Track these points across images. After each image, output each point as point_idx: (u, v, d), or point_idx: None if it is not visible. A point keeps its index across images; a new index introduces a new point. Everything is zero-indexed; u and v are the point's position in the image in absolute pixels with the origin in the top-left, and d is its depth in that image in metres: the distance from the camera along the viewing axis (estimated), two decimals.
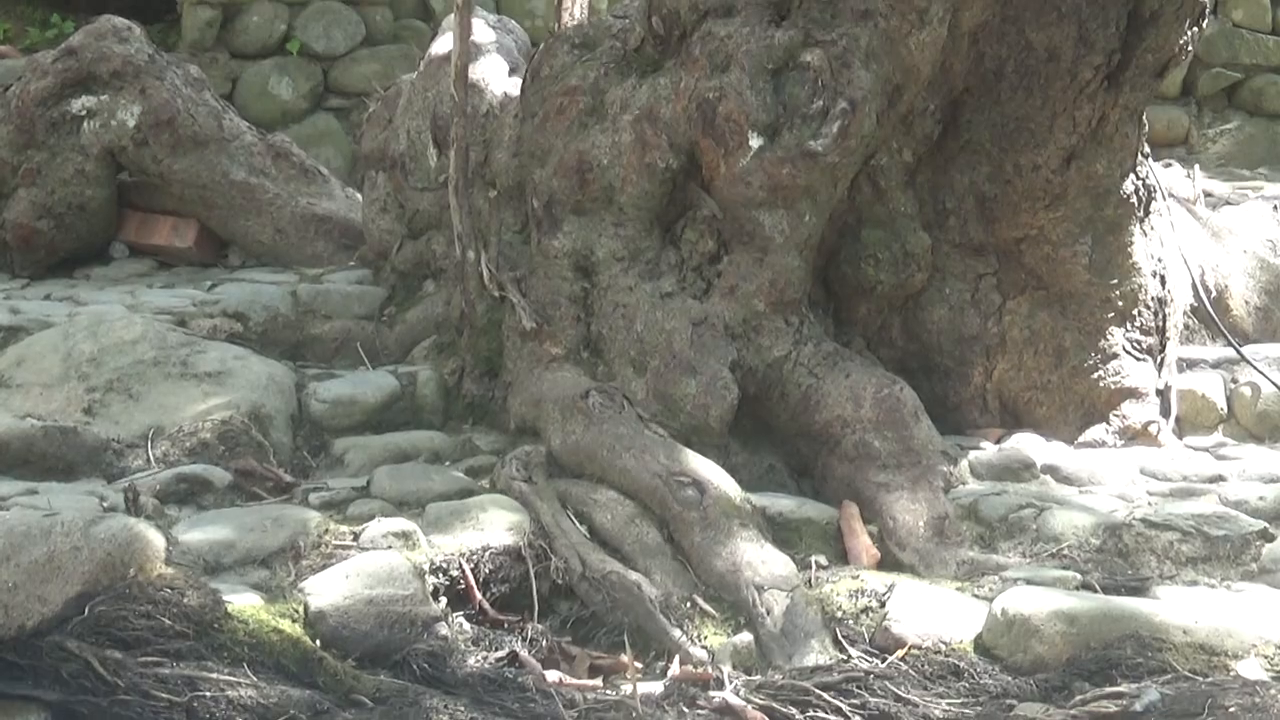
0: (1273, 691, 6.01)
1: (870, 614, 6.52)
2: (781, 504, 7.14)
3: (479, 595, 6.51)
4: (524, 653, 6.35)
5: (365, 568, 6.40)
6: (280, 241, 10.09)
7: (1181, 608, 6.47)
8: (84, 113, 9.78)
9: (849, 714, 5.99)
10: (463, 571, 6.51)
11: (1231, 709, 5.92)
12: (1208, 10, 8.66)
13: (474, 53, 8.61)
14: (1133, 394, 8.22)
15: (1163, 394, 8.38)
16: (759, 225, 7.66)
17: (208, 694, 5.91)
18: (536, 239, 8.01)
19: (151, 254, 10.07)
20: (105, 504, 6.78)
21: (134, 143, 9.95)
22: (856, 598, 6.58)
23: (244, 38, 12.30)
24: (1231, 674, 6.16)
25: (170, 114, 9.93)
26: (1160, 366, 8.37)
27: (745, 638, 6.45)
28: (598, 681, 6.31)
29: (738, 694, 6.07)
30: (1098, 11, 7.77)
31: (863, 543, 7.01)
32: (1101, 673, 6.21)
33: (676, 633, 6.39)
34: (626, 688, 6.15)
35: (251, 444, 7.50)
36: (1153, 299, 8.33)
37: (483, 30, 9.05)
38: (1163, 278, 8.38)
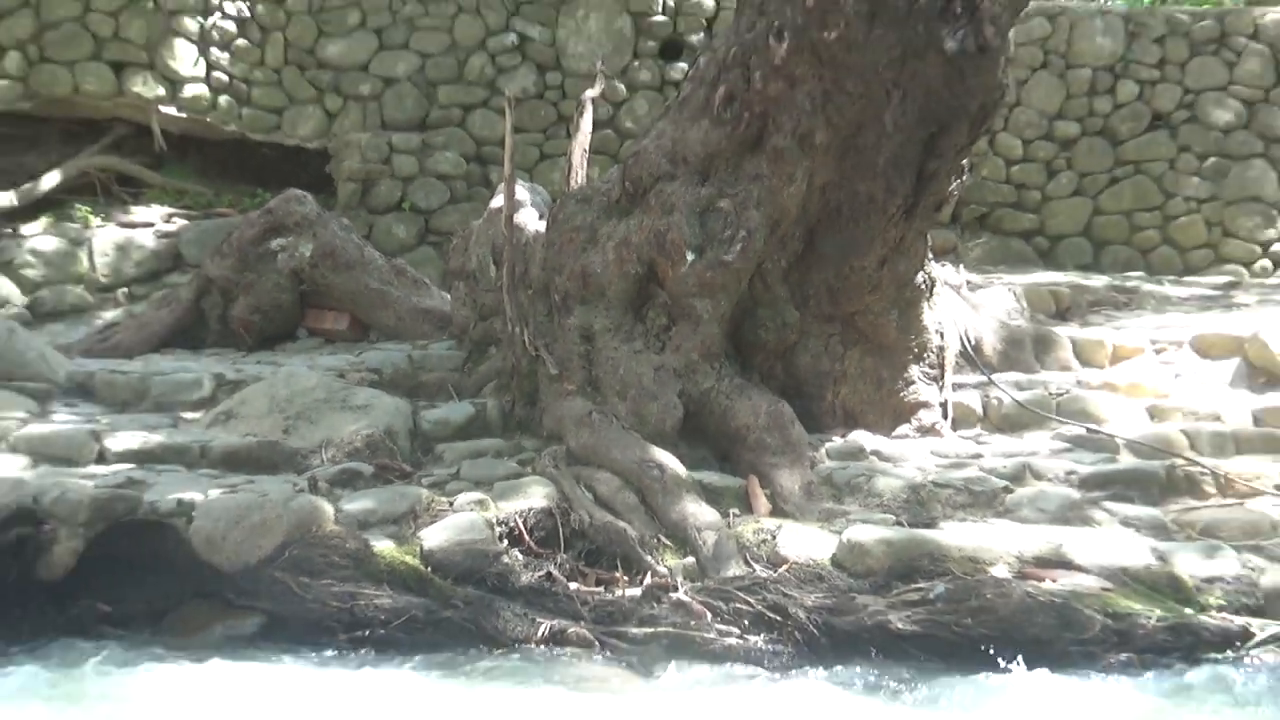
0: (1013, 584, 6.97)
1: (766, 544, 7.43)
2: (710, 478, 8.08)
3: (528, 538, 7.37)
4: (555, 572, 7.23)
5: (457, 523, 7.32)
6: (401, 326, 10.59)
7: (957, 535, 7.43)
8: (278, 248, 10.27)
9: (754, 604, 6.94)
10: (517, 524, 7.39)
11: (988, 595, 6.86)
12: (966, 171, 9.45)
13: (516, 206, 8.96)
14: (925, 405, 9.06)
15: (943, 405, 9.20)
16: (693, 308, 8.47)
17: (361, 602, 6.95)
18: (557, 319, 8.73)
19: (321, 335, 10.57)
20: (297, 487, 7.62)
21: (310, 266, 10.49)
22: (758, 534, 7.50)
23: (375, 200, 12.68)
24: (988, 575, 7.06)
25: (332, 248, 10.48)
26: (941, 388, 9.17)
27: (690, 560, 7.38)
28: (601, 589, 7.25)
29: (686, 594, 7.08)
30: (899, 172, 8.42)
31: (760, 501, 7.93)
32: (908, 576, 7.11)
33: (649, 559, 7.33)
34: (619, 591, 7.19)
35: (386, 449, 8.29)
36: (936, 347, 9.12)
37: (521, 192, 9.40)
38: (942, 334, 9.16)
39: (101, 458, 7.93)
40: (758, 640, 6.91)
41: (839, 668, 6.64)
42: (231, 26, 12.48)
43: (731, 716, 6.05)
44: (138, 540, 7.08)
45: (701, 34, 12.14)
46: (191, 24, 12.43)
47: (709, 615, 6.98)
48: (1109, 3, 13.51)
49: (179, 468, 7.89)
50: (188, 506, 7.19)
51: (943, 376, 9.07)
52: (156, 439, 8.15)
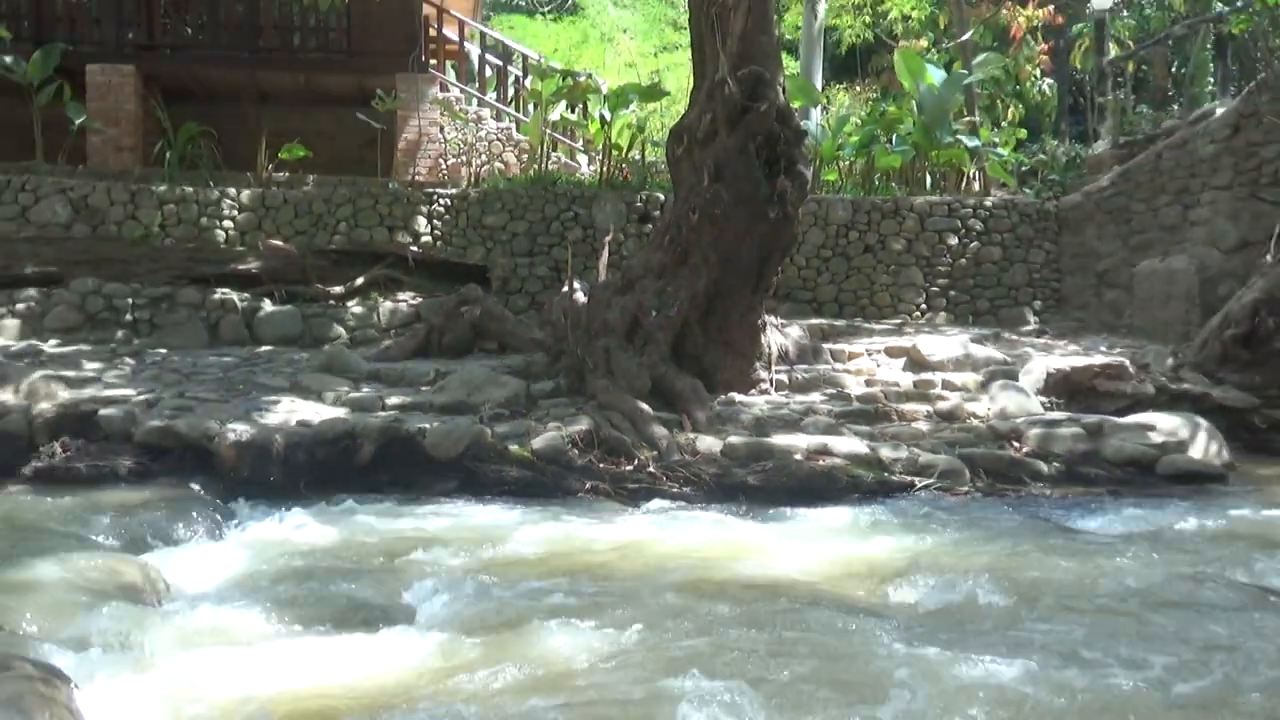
0: (804, 462, 6.84)
1: (690, 444, 7.13)
2: (664, 415, 7.55)
3: (579, 443, 7.03)
4: (592, 459, 6.92)
5: (548, 436, 7.02)
6: (522, 347, 9.30)
7: (779, 439, 7.12)
8: (464, 310, 9.51)
9: (684, 473, 6.79)
10: (575, 437, 7.03)
11: (792, 468, 6.77)
12: (780, 273, 9.19)
13: (573, 291, 8.82)
14: (762, 380, 8.50)
15: (772, 380, 8.57)
16: (655, 337, 8.06)
17: (504, 474, 6.75)
18: (592, 343, 8.22)
19: (485, 353, 9.47)
20: (474, 421, 7.22)
21: (479, 318, 9.55)
22: (686, 440, 7.18)
23: (509, 289, 11.83)
24: (792, 458, 6.83)
25: (489, 310, 9.60)
26: (770, 372, 8.58)
27: (654, 453, 7.04)
28: (614, 467, 6.91)
29: (653, 469, 6.87)
30: (751, 273, 8.32)
31: (688, 425, 7.52)
32: (756, 459, 6.89)
33: (635, 453, 7.00)
34: (622, 468, 6.88)
35: (515, 403, 7.85)
36: (767, 353, 8.72)
37: (577, 285, 9.04)
38: (770, 346, 8.76)
39: (383, 407, 7.82)
40: (687, 490, 6.75)
41: (725, 503, 6.53)
42: (442, 209, 12.36)
43: (674, 524, 5.97)
44: (400, 446, 6.98)
45: (658, 211, 11.77)
46: (424, 209, 12.35)
47: (665, 478, 6.86)
48: (843, 194, 13.02)
49: (419, 412, 7.66)
50: (424, 430, 7.08)
51: (770, 366, 8.81)
52: (408, 399, 8.05)
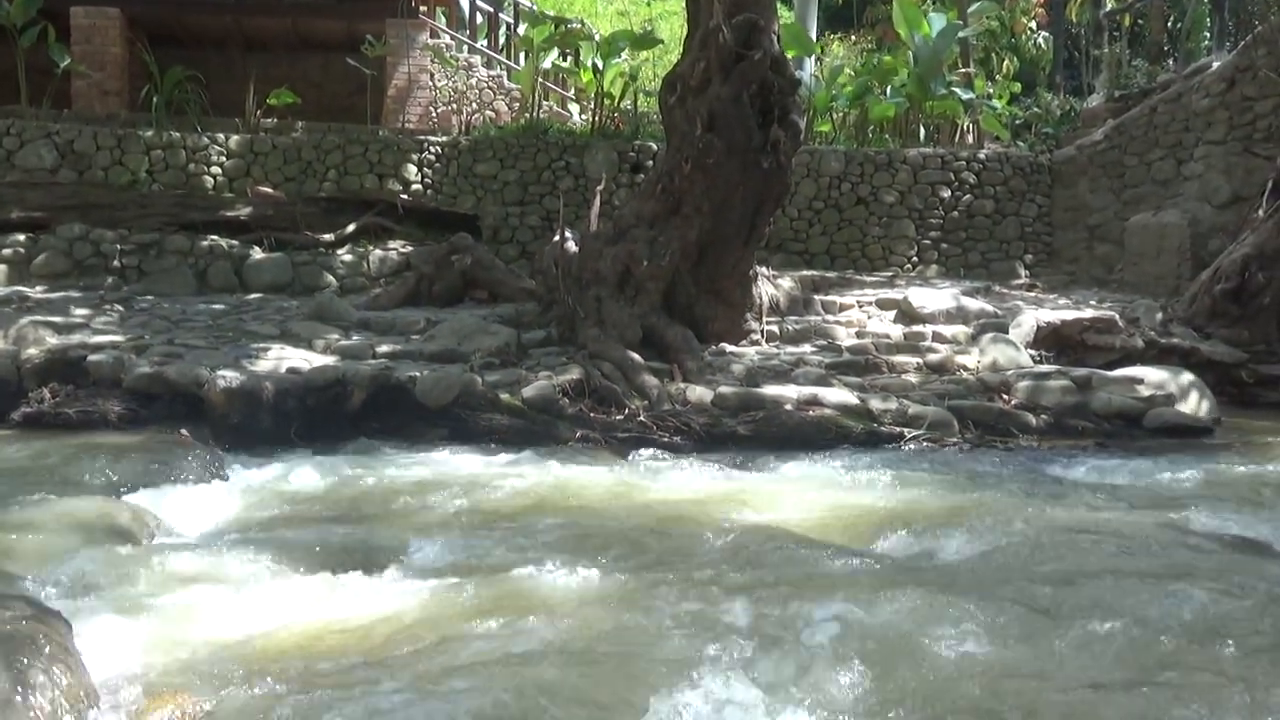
0: (794, 412, 6.90)
1: (680, 394, 7.16)
2: (655, 365, 7.55)
3: (569, 392, 7.03)
4: (583, 408, 6.94)
5: (538, 385, 7.00)
6: (513, 296, 9.38)
7: (769, 390, 7.15)
8: (455, 260, 9.49)
9: (675, 422, 6.82)
10: (565, 386, 7.03)
11: (783, 418, 6.85)
12: (772, 224, 9.17)
13: (566, 240, 8.67)
14: (754, 331, 8.62)
15: (763, 331, 8.67)
16: (647, 287, 8.07)
17: (494, 422, 6.77)
18: (584, 292, 8.17)
19: (475, 302, 9.56)
20: (464, 369, 7.27)
21: (469, 268, 9.59)
22: (677, 390, 7.22)
23: (500, 238, 11.88)
24: (782, 408, 6.93)
25: (480, 260, 9.70)
26: (761, 323, 8.74)
27: (645, 402, 7.08)
28: (604, 416, 6.92)
29: (644, 418, 6.89)
30: (743, 224, 8.29)
31: (678, 375, 7.54)
32: (746, 408, 6.93)
33: (626, 402, 7.04)
34: (612, 417, 6.91)
35: (505, 352, 7.80)
36: (758, 304, 8.79)
37: (568, 234, 8.79)
38: (761, 297, 8.84)
39: (374, 355, 7.81)
40: (677, 439, 6.77)
41: (716, 453, 6.53)
42: (432, 157, 12.26)
43: (664, 472, 6.00)
44: (391, 393, 6.98)
45: (650, 161, 11.68)
46: (415, 157, 12.19)
47: (655, 427, 6.87)
48: (836, 146, 12.94)
49: (409, 360, 7.65)
50: (415, 378, 7.05)
51: (761, 318, 8.85)
52: (399, 347, 8.03)
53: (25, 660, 2.38)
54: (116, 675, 2.73)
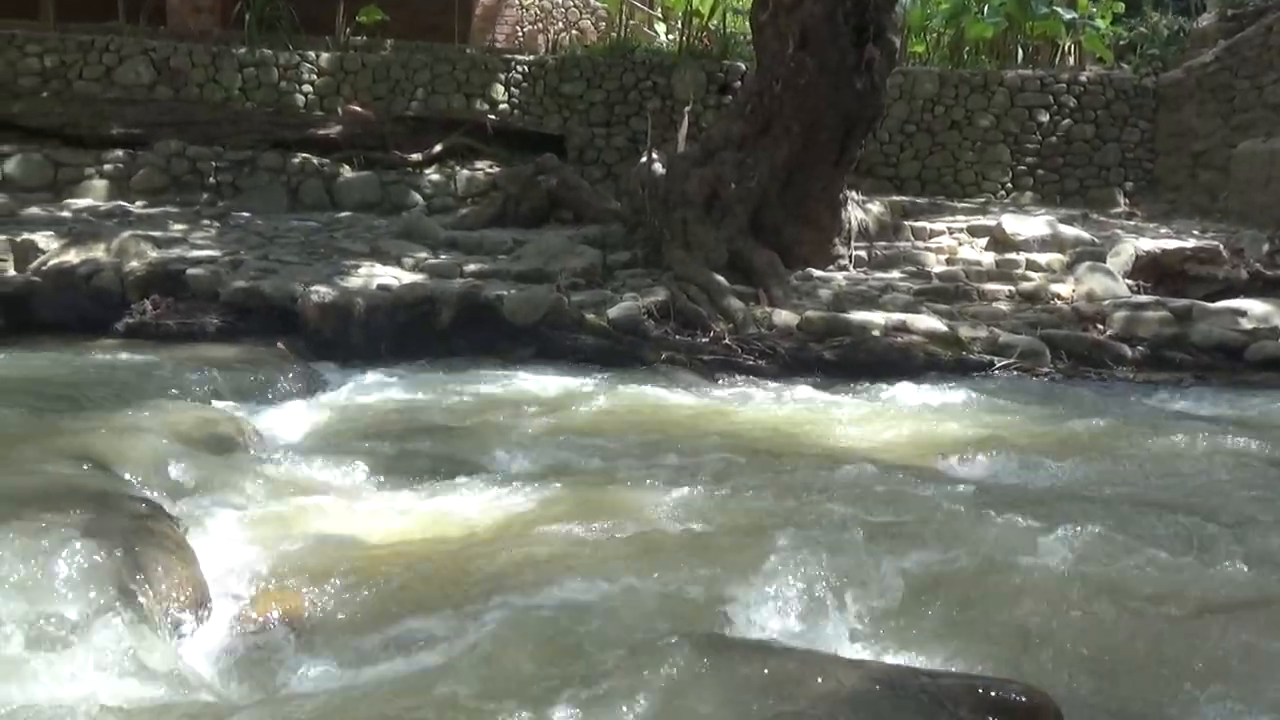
0: (882, 339, 6.94)
1: (766, 318, 7.27)
2: (741, 288, 7.56)
3: (655, 314, 7.16)
4: (669, 330, 7.05)
5: (624, 306, 7.15)
6: (599, 217, 9.20)
7: (857, 315, 7.19)
8: (541, 179, 9.54)
9: (760, 346, 6.91)
10: (651, 308, 7.16)
11: (870, 345, 6.90)
12: (864, 146, 9.16)
13: (652, 162, 8.60)
14: (841, 256, 8.58)
15: (851, 257, 8.64)
16: (734, 209, 8.15)
17: (580, 342, 6.93)
18: (670, 214, 8.21)
19: (561, 222, 9.47)
20: (551, 289, 7.26)
21: (555, 187, 9.60)
22: (763, 314, 7.31)
23: (587, 159, 11.82)
24: (870, 335, 6.98)
25: (565, 180, 9.70)
26: (849, 248, 8.68)
27: (730, 326, 7.14)
28: (689, 338, 7.01)
29: (729, 341, 6.97)
30: (832, 146, 8.27)
31: (764, 299, 7.59)
32: (833, 334, 7.02)
33: (711, 324, 7.12)
34: (698, 339, 6.95)
35: (591, 272, 7.91)
36: (847, 229, 8.72)
37: (655, 155, 8.70)
38: (850, 221, 8.76)
39: (461, 274, 7.90)
40: (762, 363, 6.86)
41: (800, 377, 6.58)
42: (519, 77, 12.22)
43: (749, 394, 6.06)
44: (479, 311, 7.08)
45: (738, 82, 11.50)
46: (501, 77, 12.18)
47: (740, 350, 6.94)
48: (930, 67, 12.65)
49: (497, 280, 7.71)
50: (502, 297, 7.15)
51: (849, 243, 8.79)
52: (486, 266, 8.13)
53: (146, 552, 2.51)
54: (224, 571, 2.87)
